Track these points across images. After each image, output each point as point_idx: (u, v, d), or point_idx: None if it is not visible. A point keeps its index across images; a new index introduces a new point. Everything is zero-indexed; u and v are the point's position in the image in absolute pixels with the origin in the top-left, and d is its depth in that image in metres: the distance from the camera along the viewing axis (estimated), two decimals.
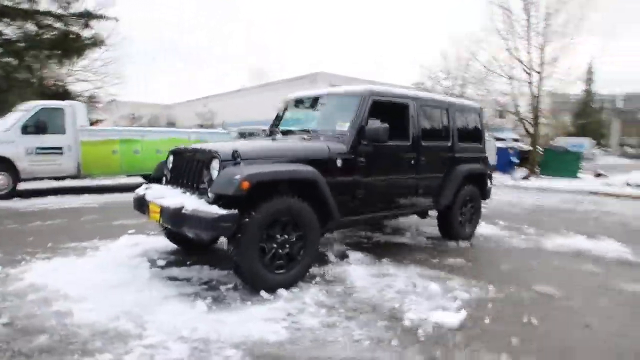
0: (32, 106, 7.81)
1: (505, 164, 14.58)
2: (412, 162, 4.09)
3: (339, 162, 3.39)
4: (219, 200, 2.73)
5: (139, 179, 10.26)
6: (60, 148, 7.84)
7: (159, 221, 2.96)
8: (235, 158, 2.80)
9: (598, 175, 14.28)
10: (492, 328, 2.50)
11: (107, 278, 3.04)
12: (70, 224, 5.30)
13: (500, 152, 15.18)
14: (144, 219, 3.53)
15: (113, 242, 4.01)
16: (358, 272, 3.41)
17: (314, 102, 4.26)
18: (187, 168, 3.18)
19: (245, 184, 2.60)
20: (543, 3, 14.66)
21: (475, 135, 5.09)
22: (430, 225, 5.33)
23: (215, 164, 2.85)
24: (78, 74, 14.89)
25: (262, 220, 2.77)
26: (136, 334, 2.24)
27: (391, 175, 3.92)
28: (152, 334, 2.24)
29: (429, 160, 4.26)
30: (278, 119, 4.61)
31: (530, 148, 15.73)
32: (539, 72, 14.86)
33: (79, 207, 6.67)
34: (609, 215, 7.06)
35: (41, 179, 7.95)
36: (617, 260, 4.15)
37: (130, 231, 4.46)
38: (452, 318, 2.51)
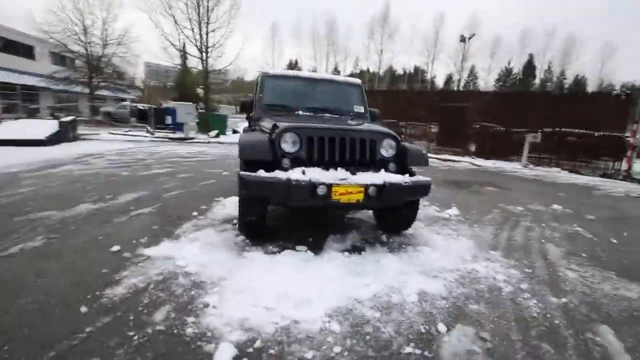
0: None
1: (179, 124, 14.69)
2: None
3: None
4: (399, 172, 3.05)
5: None
6: None
7: (361, 200, 2.75)
8: (400, 138, 3.22)
9: (235, 132, 17.32)
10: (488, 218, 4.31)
11: (321, 280, 2.53)
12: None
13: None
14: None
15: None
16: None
17: (307, 83, 4.29)
18: (344, 147, 3.01)
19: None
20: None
21: None
22: None
23: (389, 143, 3.12)
24: None
25: None
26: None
27: None
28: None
29: None
30: (257, 95, 4.15)
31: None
32: (206, 53, 17.83)
33: None
34: None
35: None
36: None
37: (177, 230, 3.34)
38: (453, 211, 4.57)
